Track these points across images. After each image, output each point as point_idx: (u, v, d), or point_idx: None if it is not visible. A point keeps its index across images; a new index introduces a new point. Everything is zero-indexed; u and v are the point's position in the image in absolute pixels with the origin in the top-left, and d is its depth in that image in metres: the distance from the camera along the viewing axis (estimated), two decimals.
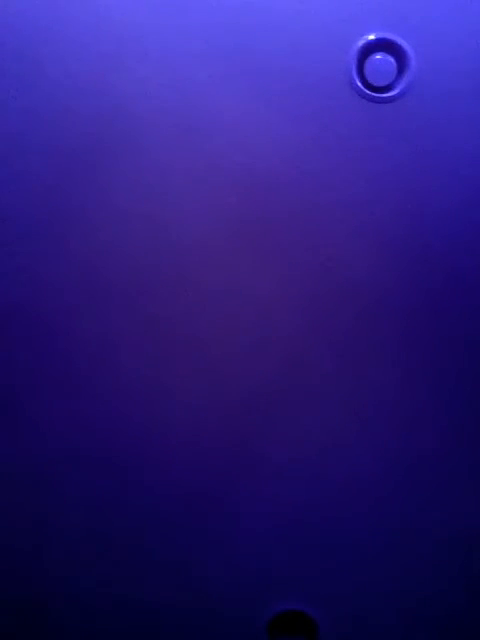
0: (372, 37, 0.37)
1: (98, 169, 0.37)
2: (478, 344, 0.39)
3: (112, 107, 0.37)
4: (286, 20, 0.37)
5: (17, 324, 0.38)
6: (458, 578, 0.40)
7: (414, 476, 0.39)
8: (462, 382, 0.39)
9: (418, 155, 0.38)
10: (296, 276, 0.38)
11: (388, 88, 0.37)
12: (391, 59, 0.37)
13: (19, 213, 0.38)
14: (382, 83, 0.37)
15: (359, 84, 0.37)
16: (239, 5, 0.37)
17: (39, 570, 0.39)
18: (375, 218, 0.38)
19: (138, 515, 0.39)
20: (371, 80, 0.37)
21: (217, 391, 0.39)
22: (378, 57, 0.37)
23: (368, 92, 0.37)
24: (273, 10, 0.37)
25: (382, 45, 0.37)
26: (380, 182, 0.38)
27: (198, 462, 0.39)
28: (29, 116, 0.37)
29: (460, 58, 0.37)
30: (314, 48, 0.37)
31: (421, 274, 0.38)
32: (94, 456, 0.39)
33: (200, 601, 0.40)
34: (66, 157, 0.37)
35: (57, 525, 0.39)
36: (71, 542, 0.39)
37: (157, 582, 0.40)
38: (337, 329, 0.39)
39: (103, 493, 0.39)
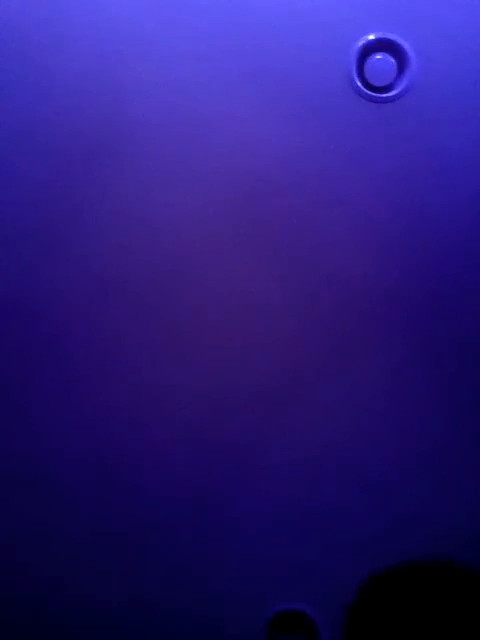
0: (372, 37, 0.37)
1: (98, 169, 0.38)
2: (477, 342, 0.39)
3: (112, 107, 0.37)
4: (286, 20, 0.37)
5: (18, 324, 0.38)
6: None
7: (415, 475, 0.39)
8: (462, 380, 0.39)
9: (418, 155, 0.38)
10: (296, 275, 0.38)
11: (388, 88, 0.37)
12: (391, 59, 0.37)
13: (20, 213, 0.38)
14: (382, 83, 0.37)
15: (359, 84, 0.37)
16: (239, 5, 0.37)
17: (40, 570, 0.39)
18: (375, 217, 0.38)
19: (138, 516, 0.39)
20: (371, 80, 0.37)
21: (217, 391, 0.39)
22: (378, 57, 0.37)
23: (368, 92, 0.37)
24: (273, 10, 0.37)
25: (382, 45, 0.37)
26: (380, 181, 0.38)
27: (198, 463, 0.39)
28: (30, 116, 0.37)
29: (460, 58, 0.37)
30: (314, 48, 0.37)
31: (421, 273, 0.38)
32: (94, 457, 0.39)
33: (201, 601, 0.40)
34: (66, 157, 0.37)
35: (57, 526, 0.39)
36: (71, 543, 0.39)
37: (157, 582, 0.40)
38: (337, 328, 0.38)
39: (104, 494, 0.39)
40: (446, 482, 0.39)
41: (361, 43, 0.37)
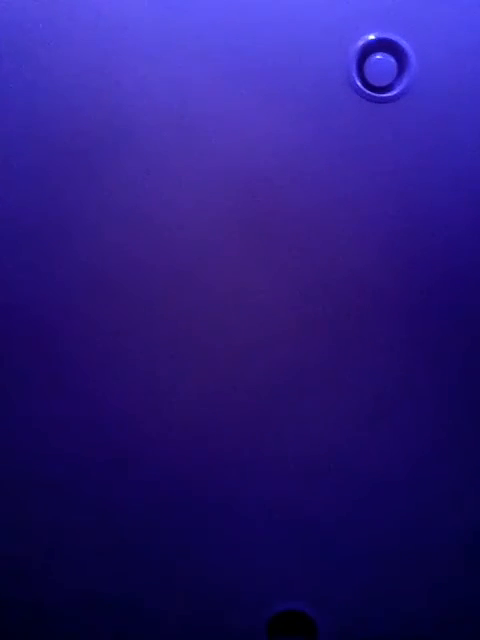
0: (372, 37, 0.37)
1: (97, 169, 0.37)
2: (477, 340, 0.39)
3: (112, 107, 0.37)
4: (286, 20, 0.37)
5: (18, 323, 0.38)
6: (459, 578, 0.40)
7: (416, 474, 0.39)
8: (463, 378, 0.39)
9: (418, 155, 0.38)
10: (296, 275, 0.38)
11: (388, 88, 0.37)
12: (391, 59, 0.37)
13: (19, 213, 0.38)
14: (382, 83, 0.37)
15: (359, 84, 0.37)
16: (238, 5, 0.37)
17: (37, 569, 0.39)
18: (375, 218, 0.38)
19: (138, 515, 0.39)
20: (371, 80, 0.37)
21: (218, 390, 0.39)
22: (378, 57, 0.37)
23: (368, 92, 0.37)
24: (272, 10, 0.37)
25: (382, 45, 0.37)
26: (380, 182, 0.38)
27: (198, 462, 0.39)
28: (29, 116, 0.37)
29: (460, 58, 0.37)
30: (314, 48, 0.37)
31: (421, 273, 0.38)
32: (95, 456, 0.39)
33: (200, 601, 0.40)
34: (66, 157, 0.37)
35: (55, 525, 0.39)
36: (70, 542, 0.39)
37: (157, 582, 0.40)
38: (337, 328, 0.39)
39: (103, 493, 0.39)
40: (449, 482, 0.40)
41: (361, 43, 0.37)
